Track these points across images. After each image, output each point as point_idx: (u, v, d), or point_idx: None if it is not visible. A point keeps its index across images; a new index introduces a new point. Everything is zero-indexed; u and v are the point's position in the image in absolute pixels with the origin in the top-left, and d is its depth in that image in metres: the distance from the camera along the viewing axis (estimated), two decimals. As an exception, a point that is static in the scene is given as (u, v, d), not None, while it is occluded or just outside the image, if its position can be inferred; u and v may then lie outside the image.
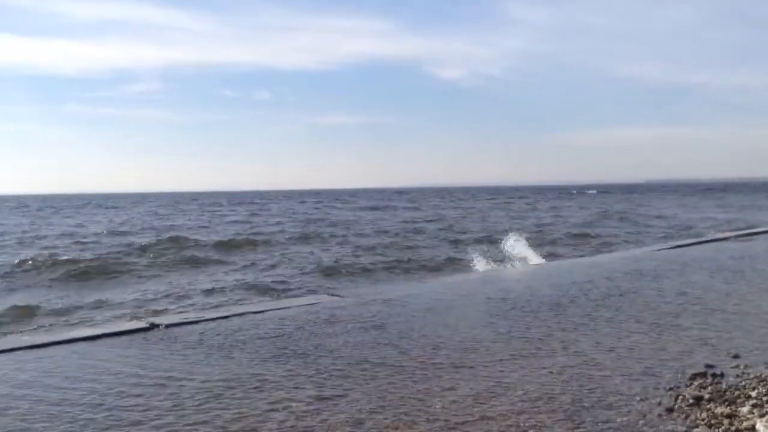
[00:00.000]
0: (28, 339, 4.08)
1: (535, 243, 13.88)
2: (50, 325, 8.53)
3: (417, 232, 22.98)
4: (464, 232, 22.14)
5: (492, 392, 2.79)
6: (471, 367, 3.17)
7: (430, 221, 29.00)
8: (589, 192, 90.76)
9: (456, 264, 13.60)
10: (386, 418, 2.49)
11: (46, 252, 16.34)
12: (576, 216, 31.50)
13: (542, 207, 43.18)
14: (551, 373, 3.05)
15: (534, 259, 10.96)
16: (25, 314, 9.31)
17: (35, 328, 8.15)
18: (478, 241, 17.84)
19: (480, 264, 10.71)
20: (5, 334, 7.38)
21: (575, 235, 20.52)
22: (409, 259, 14.70)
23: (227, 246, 18.49)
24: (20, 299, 10.57)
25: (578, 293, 5.15)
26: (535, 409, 2.57)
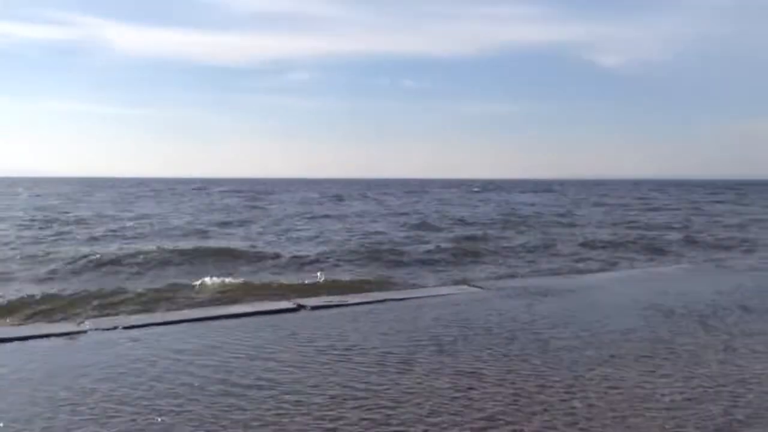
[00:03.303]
0: (187, 312, 4.44)
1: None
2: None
3: None
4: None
5: (637, 398, 2.63)
6: (614, 371, 3.01)
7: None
8: None
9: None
10: (521, 417, 2.44)
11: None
12: None
13: None
14: (702, 382, 2.83)
15: None
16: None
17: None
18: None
19: None
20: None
21: None
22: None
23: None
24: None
25: (743, 299, 4.72)
26: (683, 419, 2.40)
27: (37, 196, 50.08)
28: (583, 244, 15.94)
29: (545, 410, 2.49)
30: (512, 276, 11.01)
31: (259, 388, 2.71)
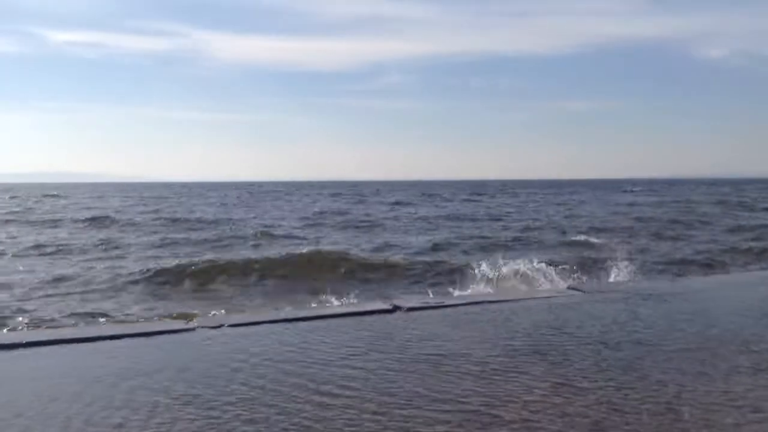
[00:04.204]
0: (283, 313, 4.57)
1: None
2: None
3: None
4: None
5: (752, 410, 2.48)
6: (725, 382, 2.84)
7: None
8: None
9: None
10: (629, 422, 2.34)
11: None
12: None
13: None
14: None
15: None
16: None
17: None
18: None
19: None
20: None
21: None
22: None
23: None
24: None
25: None
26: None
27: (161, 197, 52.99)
28: (706, 251, 15.03)
29: (653, 419, 2.38)
30: (617, 280, 10.59)
31: (344, 393, 2.73)
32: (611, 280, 10.91)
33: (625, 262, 12.88)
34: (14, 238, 18.67)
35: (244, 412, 2.47)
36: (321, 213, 30.61)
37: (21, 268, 12.72)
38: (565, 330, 3.76)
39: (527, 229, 21.06)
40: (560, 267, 12.38)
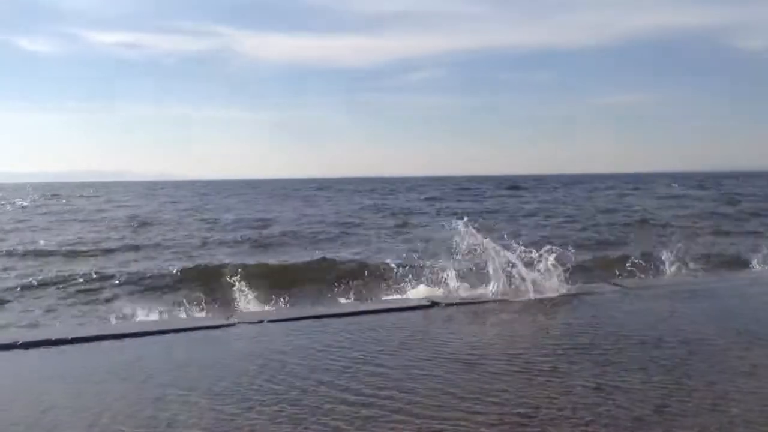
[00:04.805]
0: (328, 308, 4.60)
1: None
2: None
3: None
4: None
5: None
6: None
7: None
8: None
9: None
10: (671, 419, 2.29)
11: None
12: None
13: None
14: None
15: None
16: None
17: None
18: None
19: None
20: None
21: None
22: None
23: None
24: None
25: None
26: None
27: (204, 194, 53.59)
28: (755, 246, 14.45)
29: (697, 419, 2.32)
30: (660, 275, 10.29)
31: (380, 392, 2.72)
32: (655, 275, 10.65)
33: (670, 257, 12.48)
34: (59, 236, 19.13)
35: (280, 410, 2.48)
36: (360, 210, 30.61)
37: (65, 266, 13.03)
38: (605, 327, 3.69)
39: (566, 223, 20.71)
40: (600, 261, 12.13)
